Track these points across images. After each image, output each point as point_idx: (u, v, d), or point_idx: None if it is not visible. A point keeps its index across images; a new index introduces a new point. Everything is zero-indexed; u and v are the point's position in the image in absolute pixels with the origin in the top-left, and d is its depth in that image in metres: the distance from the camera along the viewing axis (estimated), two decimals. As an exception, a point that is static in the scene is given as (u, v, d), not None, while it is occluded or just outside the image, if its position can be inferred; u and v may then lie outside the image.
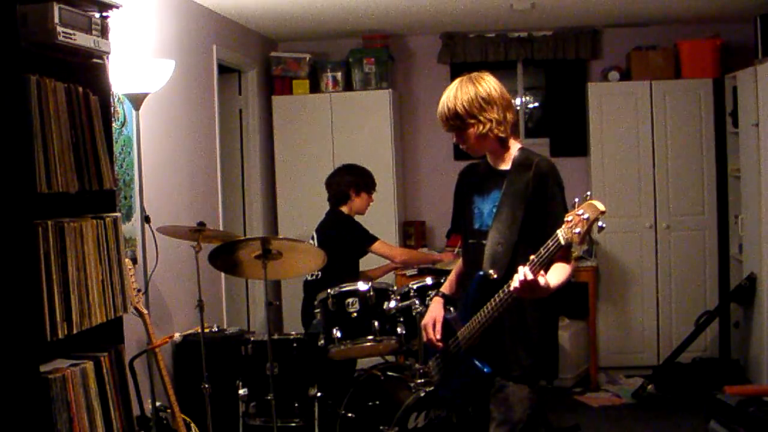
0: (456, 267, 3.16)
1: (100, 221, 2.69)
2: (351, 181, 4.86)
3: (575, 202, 2.46)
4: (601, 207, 2.40)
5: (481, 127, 2.79)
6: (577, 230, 2.41)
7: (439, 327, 2.93)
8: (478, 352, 2.80)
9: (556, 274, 2.66)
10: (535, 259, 2.54)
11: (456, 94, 2.81)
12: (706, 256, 6.14)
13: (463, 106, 2.78)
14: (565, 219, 2.46)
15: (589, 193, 2.47)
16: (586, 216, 2.40)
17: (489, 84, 2.83)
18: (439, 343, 2.93)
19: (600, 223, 2.40)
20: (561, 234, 2.47)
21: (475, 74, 2.86)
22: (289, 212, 6.32)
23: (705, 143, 6.10)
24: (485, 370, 2.77)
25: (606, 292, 6.16)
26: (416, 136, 6.72)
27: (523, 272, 2.53)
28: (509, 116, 2.83)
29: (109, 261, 2.71)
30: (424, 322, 3.00)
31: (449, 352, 2.91)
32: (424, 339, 2.98)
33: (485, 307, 2.71)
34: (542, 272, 2.55)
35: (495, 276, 2.74)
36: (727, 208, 6.08)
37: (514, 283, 2.55)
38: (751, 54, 5.59)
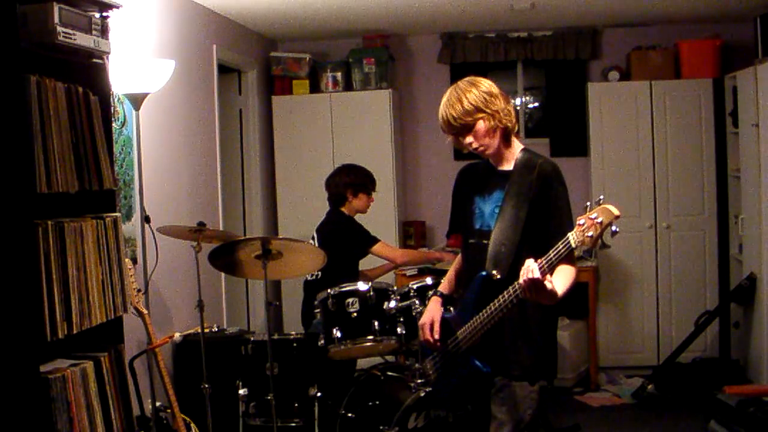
0: (453, 266, 3.16)
1: (100, 221, 2.69)
2: (348, 183, 4.84)
3: (587, 206, 2.45)
4: (616, 211, 2.39)
5: (490, 120, 2.80)
6: (590, 234, 2.41)
7: (437, 327, 2.93)
8: (478, 351, 2.80)
9: (563, 280, 2.64)
10: (544, 262, 2.54)
11: (459, 95, 2.82)
12: (706, 256, 6.14)
13: (470, 102, 2.79)
14: (578, 222, 2.45)
15: (602, 197, 2.46)
16: (599, 220, 2.39)
17: (486, 82, 2.86)
18: (437, 344, 2.92)
19: (614, 228, 2.40)
20: (572, 237, 2.47)
21: (469, 77, 2.89)
22: (289, 212, 6.32)
23: (705, 143, 6.10)
24: (485, 370, 2.77)
25: (606, 292, 6.15)
26: (416, 136, 6.72)
27: (529, 267, 2.51)
28: (511, 109, 2.85)
29: (109, 261, 2.71)
30: (421, 321, 3.00)
31: (448, 352, 2.91)
32: (422, 339, 2.98)
33: (488, 307, 2.70)
34: (549, 276, 2.54)
35: (498, 276, 2.74)
36: (727, 208, 6.08)
37: (522, 277, 2.53)
38: (751, 54, 5.59)
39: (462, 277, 3.05)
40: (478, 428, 2.92)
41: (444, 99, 2.87)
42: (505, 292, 2.65)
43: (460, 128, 2.83)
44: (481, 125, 2.80)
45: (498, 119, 2.80)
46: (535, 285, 2.52)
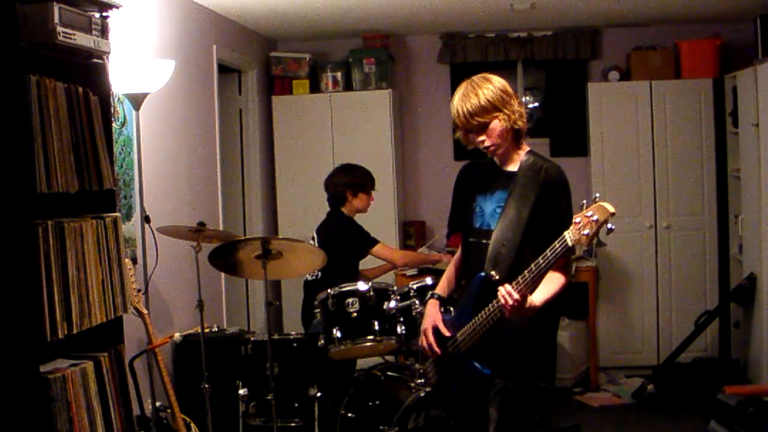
0: (450, 265, 3.15)
1: (100, 221, 2.69)
2: (347, 183, 4.83)
3: (583, 204, 2.45)
4: (611, 209, 2.39)
5: (506, 120, 2.79)
6: (586, 232, 2.41)
7: (444, 330, 2.92)
8: (478, 353, 2.80)
9: (546, 290, 2.68)
10: (533, 268, 2.56)
11: (476, 91, 2.79)
12: (706, 256, 6.14)
13: (488, 99, 2.77)
14: (574, 220, 2.45)
15: (597, 194, 2.47)
16: (595, 218, 2.39)
17: (500, 80, 2.86)
18: (438, 350, 2.92)
19: (609, 225, 2.40)
20: (568, 235, 2.47)
21: (482, 74, 2.87)
22: (289, 212, 6.32)
23: (705, 143, 6.10)
24: (485, 372, 2.77)
25: (606, 292, 6.15)
26: (416, 136, 6.72)
27: (507, 293, 2.56)
28: (524, 111, 2.86)
29: (109, 261, 2.71)
30: (423, 326, 2.99)
31: (448, 354, 2.91)
32: (425, 344, 2.97)
33: (487, 308, 2.71)
34: (529, 296, 2.59)
35: (497, 277, 2.74)
36: (727, 208, 6.08)
37: (501, 301, 2.60)
38: (751, 54, 5.59)
39: (461, 276, 3.05)
40: (476, 430, 2.91)
41: (459, 93, 2.83)
42: (491, 305, 2.68)
43: (475, 126, 2.81)
44: (496, 124, 2.79)
45: (513, 121, 2.80)
46: (514, 308, 2.57)
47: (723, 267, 6.12)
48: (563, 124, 6.59)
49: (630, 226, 6.09)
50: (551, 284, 2.69)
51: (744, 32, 5.95)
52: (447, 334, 2.90)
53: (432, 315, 2.98)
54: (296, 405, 4.06)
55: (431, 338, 2.93)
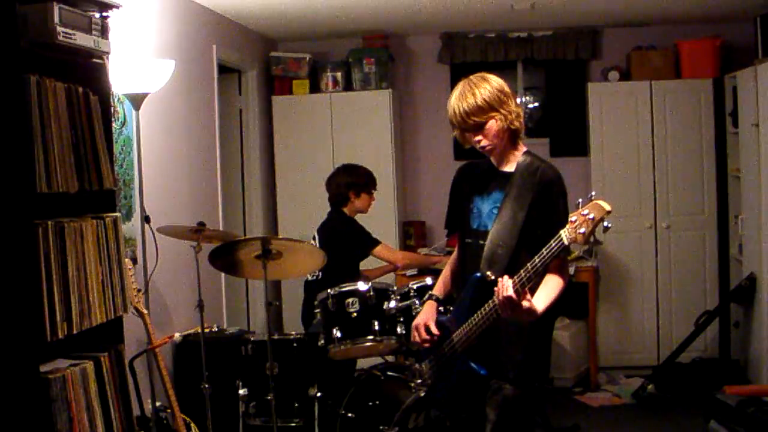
0: (447, 265, 3.15)
1: (100, 221, 2.69)
2: (349, 183, 4.84)
3: (579, 203, 2.45)
4: (607, 207, 2.39)
5: (503, 121, 2.79)
6: (582, 230, 2.40)
7: (434, 328, 2.92)
8: (474, 354, 2.80)
9: (546, 294, 2.67)
10: (523, 275, 2.55)
11: (473, 90, 2.79)
12: (706, 256, 6.14)
13: (484, 99, 2.76)
14: (570, 219, 2.45)
15: (593, 193, 2.46)
16: (591, 216, 2.39)
17: (498, 79, 2.85)
18: (427, 344, 2.92)
19: (605, 223, 2.40)
20: (564, 234, 2.46)
21: (479, 74, 2.87)
22: (289, 212, 6.32)
23: (705, 143, 6.11)
24: (482, 372, 2.77)
25: (606, 292, 6.15)
26: (416, 136, 6.72)
27: (504, 285, 2.54)
28: (521, 111, 2.85)
29: (109, 261, 2.71)
30: (415, 323, 2.99)
31: (444, 354, 2.91)
32: (417, 339, 2.97)
33: (483, 308, 2.70)
34: (528, 296, 2.57)
35: (493, 278, 2.73)
36: (727, 208, 6.08)
37: (497, 295, 2.58)
38: (751, 54, 5.59)
39: (458, 276, 3.05)
40: (474, 430, 2.91)
41: (456, 92, 2.83)
42: (487, 305, 2.66)
43: (472, 125, 2.80)
44: (492, 124, 2.79)
45: (509, 121, 2.80)
46: (511, 303, 2.55)
47: (723, 267, 6.13)
48: (563, 124, 6.59)
49: (630, 226, 6.10)
50: (551, 289, 2.69)
51: (744, 32, 5.95)
52: (436, 333, 2.91)
53: (425, 313, 2.99)
54: (296, 405, 4.06)
55: (423, 333, 2.93)
